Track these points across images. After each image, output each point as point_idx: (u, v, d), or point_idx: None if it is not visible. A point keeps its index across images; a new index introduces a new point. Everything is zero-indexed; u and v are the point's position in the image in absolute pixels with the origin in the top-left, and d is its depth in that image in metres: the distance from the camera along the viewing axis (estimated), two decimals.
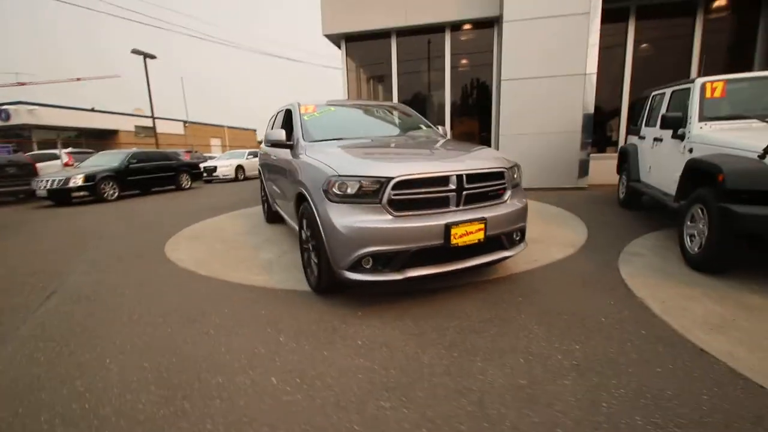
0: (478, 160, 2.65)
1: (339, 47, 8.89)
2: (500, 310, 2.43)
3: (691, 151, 3.48)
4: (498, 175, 2.64)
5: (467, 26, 8.12)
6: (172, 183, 11.17)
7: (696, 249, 3.01)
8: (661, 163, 4.18)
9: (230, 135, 40.29)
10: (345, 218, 2.34)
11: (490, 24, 7.98)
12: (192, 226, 5.50)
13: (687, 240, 3.15)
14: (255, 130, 46.31)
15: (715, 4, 7.25)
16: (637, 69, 7.63)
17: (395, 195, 2.32)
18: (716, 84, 3.57)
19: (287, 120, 4.15)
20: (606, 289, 2.70)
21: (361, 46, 8.77)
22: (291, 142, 3.40)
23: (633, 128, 5.47)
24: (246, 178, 15.37)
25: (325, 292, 2.73)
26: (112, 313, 2.62)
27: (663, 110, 4.33)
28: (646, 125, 4.87)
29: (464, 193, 2.48)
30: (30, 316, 2.65)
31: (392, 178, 2.32)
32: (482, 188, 2.56)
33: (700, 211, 2.99)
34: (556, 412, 1.52)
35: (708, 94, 3.57)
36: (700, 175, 3.10)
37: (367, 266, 2.36)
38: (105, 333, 2.34)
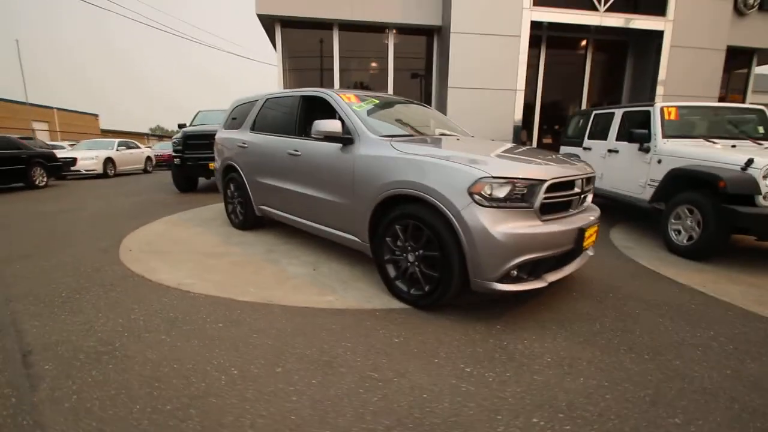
0: (581, 164, 2.74)
1: (272, 33, 7.99)
2: (609, 307, 2.56)
3: (659, 161, 4.27)
4: (593, 179, 2.78)
5: (411, 30, 8.26)
6: (20, 179, 8.27)
7: (685, 241, 3.71)
8: (620, 171, 5.02)
9: (62, 119, 31.89)
10: (500, 224, 2.12)
11: (431, 32, 8.29)
12: (132, 237, 4.18)
13: (672, 234, 3.87)
14: (97, 116, 37.80)
15: (599, 44, 9.05)
16: (546, 88, 8.98)
17: (545, 199, 2.22)
18: (671, 109, 4.48)
19: (306, 110, 3.55)
20: (652, 278, 3.11)
21: (299, 35, 8.05)
22: (349, 136, 2.90)
23: (568, 139, 6.44)
24: (117, 174, 12.50)
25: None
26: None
27: (614, 128, 5.21)
28: (590, 138, 5.79)
29: (582, 196, 2.54)
30: None
31: (545, 180, 2.21)
32: (589, 191, 2.66)
33: (687, 210, 3.72)
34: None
35: (666, 117, 4.45)
36: (685, 181, 3.83)
37: (514, 275, 2.19)
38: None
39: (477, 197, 2.13)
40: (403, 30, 8.23)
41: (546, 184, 2.20)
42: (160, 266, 3.20)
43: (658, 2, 7.99)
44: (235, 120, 4.63)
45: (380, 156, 2.63)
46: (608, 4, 7.87)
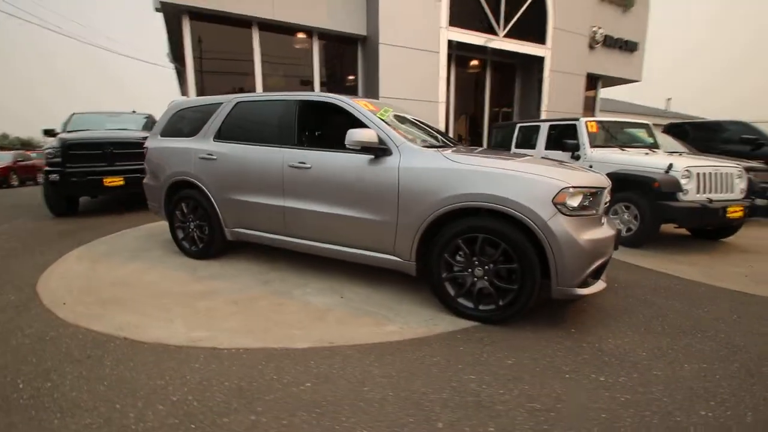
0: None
1: (177, 27, 6.82)
2: (629, 296, 2.90)
3: (590, 167, 5.06)
4: None
5: (335, 37, 8.03)
6: None
7: (625, 232, 4.47)
8: None
9: None
10: (582, 232, 2.21)
11: (355, 42, 8.22)
12: (45, 283, 3.03)
13: None
14: None
15: (495, 65, 10.27)
16: (456, 101, 9.78)
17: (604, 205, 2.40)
18: (592, 123, 5.35)
19: (308, 117, 3.14)
20: (625, 268, 3.65)
21: (212, 31, 7.05)
22: (384, 147, 2.65)
23: (493, 149, 7.15)
24: None
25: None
26: None
27: (542, 139, 5.96)
28: (517, 148, 6.52)
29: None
30: None
31: (605, 188, 2.39)
32: None
33: (624, 207, 4.49)
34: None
35: (589, 129, 5.29)
36: (620, 183, 4.60)
37: (588, 280, 2.31)
38: None
39: (561, 207, 2.18)
40: (328, 36, 7.95)
41: (606, 191, 2.39)
42: (138, 320, 2.40)
43: (540, 33, 9.49)
44: (180, 127, 3.80)
45: (434, 168, 2.48)
46: (506, 31, 9.01)
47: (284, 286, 2.99)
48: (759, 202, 4.32)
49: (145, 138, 6.14)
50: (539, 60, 9.69)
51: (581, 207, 2.24)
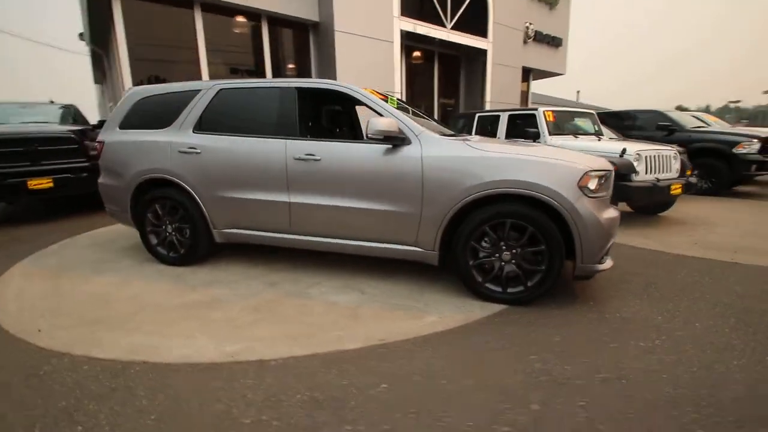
0: None
1: (106, 4, 5.92)
2: (626, 276, 3.21)
3: None
4: None
5: (285, 22, 7.59)
6: None
7: None
8: None
9: None
10: (602, 212, 2.39)
11: (306, 28, 7.86)
12: None
13: None
14: None
15: (441, 57, 10.54)
16: (407, 90, 9.88)
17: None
18: (548, 112, 5.76)
19: (310, 106, 2.95)
20: (620, 247, 4.03)
21: (149, 11, 6.25)
22: (404, 136, 2.59)
23: None
24: None
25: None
26: None
27: (502, 127, 6.27)
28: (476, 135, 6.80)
29: None
30: None
31: (612, 171, 2.59)
32: None
33: None
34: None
35: (547, 118, 5.69)
36: None
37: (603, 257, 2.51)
38: None
39: (584, 190, 2.32)
40: (277, 21, 7.50)
41: (613, 174, 2.60)
42: (148, 340, 2.10)
43: (482, 26, 9.93)
44: (144, 118, 3.34)
45: (459, 156, 2.48)
46: (453, 23, 9.28)
47: (296, 287, 2.81)
48: (692, 179, 5.02)
49: (77, 131, 5.36)
50: (483, 53, 10.16)
51: (598, 189, 2.41)
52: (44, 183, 4.94)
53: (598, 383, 1.70)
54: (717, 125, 8.74)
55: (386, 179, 2.62)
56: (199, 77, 6.75)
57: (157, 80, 6.36)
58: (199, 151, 3.03)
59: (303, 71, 8.09)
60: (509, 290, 2.51)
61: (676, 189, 4.68)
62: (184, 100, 3.20)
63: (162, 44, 6.58)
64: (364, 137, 3.09)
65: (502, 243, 2.46)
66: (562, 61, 13.59)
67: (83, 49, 9.41)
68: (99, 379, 1.76)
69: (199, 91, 3.17)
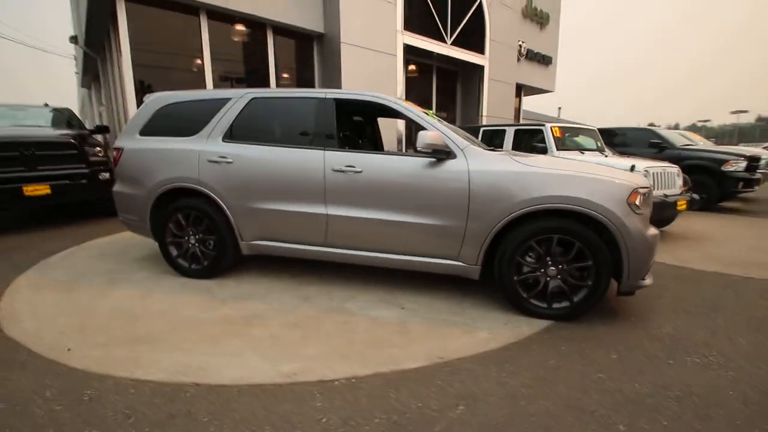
0: None
1: (106, 12, 5.75)
2: (655, 290, 3.26)
3: None
4: None
5: (291, 33, 7.56)
6: None
7: None
8: None
9: None
10: (647, 229, 2.43)
11: (310, 39, 7.85)
12: (11, 323, 2.30)
13: None
14: None
15: (440, 71, 10.70)
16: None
17: None
18: (555, 128, 5.89)
19: (346, 117, 2.91)
20: None
21: (154, 17, 6.10)
22: (449, 150, 2.58)
23: None
24: None
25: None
26: None
27: (508, 142, 6.38)
28: None
29: None
30: None
31: (651, 188, 2.64)
32: None
33: None
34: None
35: (555, 134, 5.81)
36: None
37: None
38: None
39: (632, 206, 2.36)
40: (283, 31, 7.45)
41: (652, 192, 2.65)
42: (191, 359, 1.98)
43: (480, 43, 10.16)
44: (168, 125, 3.23)
45: (507, 171, 2.48)
46: (452, 39, 9.46)
47: (331, 302, 2.73)
48: (695, 196, 5.20)
49: (77, 136, 5.13)
50: (480, 68, 10.38)
51: (643, 206, 2.45)
52: (41, 189, 4.70)
53: (672, 402, 1.69)
54: (702, 143, 9.16)
55: (430, 193, 2.60)
56: (203, 83, 6.61)
57: (161, 86, 6.20)
58: (230, 160, 2.93)
59: (306, 81, 8.05)
60: (554, 306, 2.50)
61: (682, 205, 4.84)
62: (212, 108, 3.11)
63: (166, 51, 6.43)
64: (382, 148, 3.05)
65: (548, 258, 2.46)
66: (552, 78, 14.03)
67: (69, 52, 9.08)
68: (153, 404, 1.63)
69: (229, 99, 3.08)
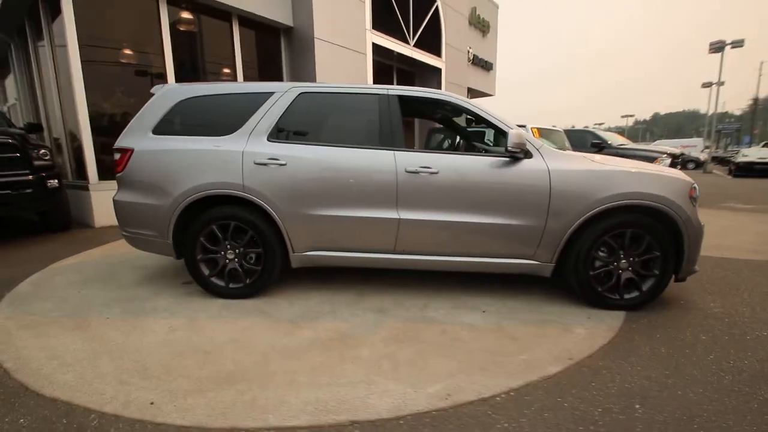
0: None
1: None
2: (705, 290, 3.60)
3: None
4: None
5: (257, 24, 6.98)
6: None
7: None
8: None
9: None
10: (698, 221, 2.67)
11: (277, 32, 7.34)
12: (45, 365, 1.76)
13: None
14: None
15: (399, 72, 10.76)
16: None
17: None
18: (534, 129, 6.28)
19: (404, 115, 2.74)
20: None
21: (106, 4, 5.17)
22: (527, 149, 2.58)
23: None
24: None
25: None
26: None
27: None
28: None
29: None
30: None
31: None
32: None
33: None
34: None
35: (534, 135, 6.19)
36: None
37: None
38: None
39: (692, 200, 2.59)
40: (249, 22, 6.85)
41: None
42: (319, 394, 1.71)
43: (437, 47, 10.44)
44: (189, 122, 2.77)
45: (585, 170, 2.56)
46: (414, 40, 9.57)
47: (409, 312, 2.57)
48: None
49: (18, 136, 4.16)
50: (438, 71, 10.66)
51: (696, 199, 2.70)
52: None
53: None
54: (631, 144, 10.52)
55: (508, 192, 2.58)
56: (164, 72, 5.80)
57: (119, 83, 5.30)
58: (284, 162, 2.60)
59: (275, 75, 7.51)
60: (626, 296, 2.64)
61: None
62: (249, 103, 2.73)
63: (121, 38, 5.51)
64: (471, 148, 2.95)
65: (621, 252, 2.59)
66: (493, 83, 14.97)
67: None
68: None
69: (272, 93, 2.73)
